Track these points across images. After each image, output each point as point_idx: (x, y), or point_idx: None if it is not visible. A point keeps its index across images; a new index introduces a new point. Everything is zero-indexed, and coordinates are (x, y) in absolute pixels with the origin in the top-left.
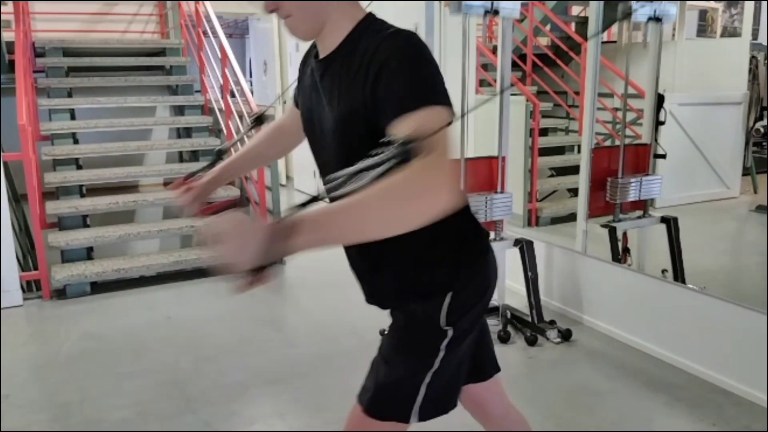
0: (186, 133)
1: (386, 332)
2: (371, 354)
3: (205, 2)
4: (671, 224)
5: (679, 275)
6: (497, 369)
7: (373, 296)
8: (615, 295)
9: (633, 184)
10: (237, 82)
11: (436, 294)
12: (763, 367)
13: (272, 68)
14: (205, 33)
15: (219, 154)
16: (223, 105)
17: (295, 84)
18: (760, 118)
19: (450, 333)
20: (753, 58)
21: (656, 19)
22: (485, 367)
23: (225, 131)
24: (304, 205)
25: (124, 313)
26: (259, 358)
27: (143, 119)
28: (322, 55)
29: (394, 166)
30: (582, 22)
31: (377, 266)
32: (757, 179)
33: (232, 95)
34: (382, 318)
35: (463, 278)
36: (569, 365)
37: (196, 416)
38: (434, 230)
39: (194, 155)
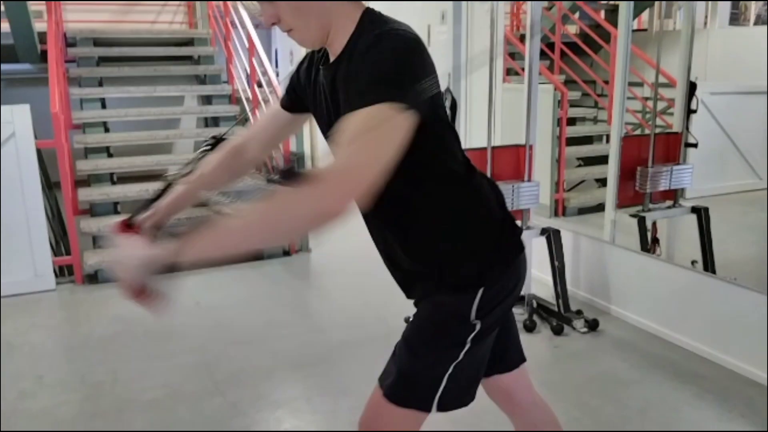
0: (213, 122)
1: (411, 320)
2: (396, 341)
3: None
4: (702, 214)
5: (709, 266)
6: (523, 359)
7: (405, 287)
8: (643, 285)
9: (663, 174)
10: (264, 72)
11: (468, 288)
12: None
13: (298, 58)
14: (232, 23)
15: (167, 185)
16: (250, 94)
17: (288, 84)
18: None
19: (478, 327)
20: None
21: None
22: (512, 357)
23: (252, 120)
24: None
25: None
26: (285, 343)
27: (172, 108)
28: (332, 59)
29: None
30: (612, 10)
31: (414, 259)
32: None
33: (259, 85)
34: (408, 305)
35: (496, 273)
36: (595, 355)
37: (224, 398)
38: (473, 227)
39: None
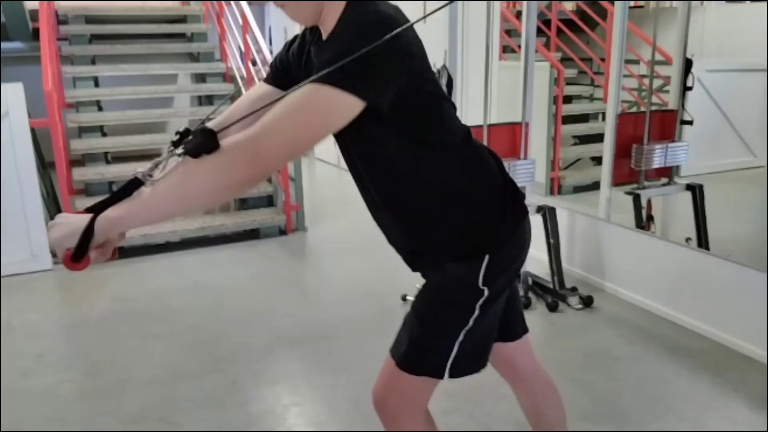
0: (208, 100)
1: (419, 290)
2: (393, 318)
3: None
4: (696, 191)
5: (703, 243)
6: (526, 330)
7: (412, 258)
8: (638, 262)
9: (658, 151)
10: (259, 50)
11: (475, 255)
12: None
13: (293, 35)
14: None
15: (136, 183)
16: (245, 72)
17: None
18: None
19: (486, 293)
20: None
21: None
22: (516, 328)
23: None
24: (125, 189)
25: (151, 277)
26: (283, 321)
27: (166, 87)
28: (324, 38)
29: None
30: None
31: (418, 231)
32: None
33: (254, 63)
34: (403, 284)
35: (501, 240)
36: (590, 331)
37: (223, 375)
38: (476, 194)
39: None
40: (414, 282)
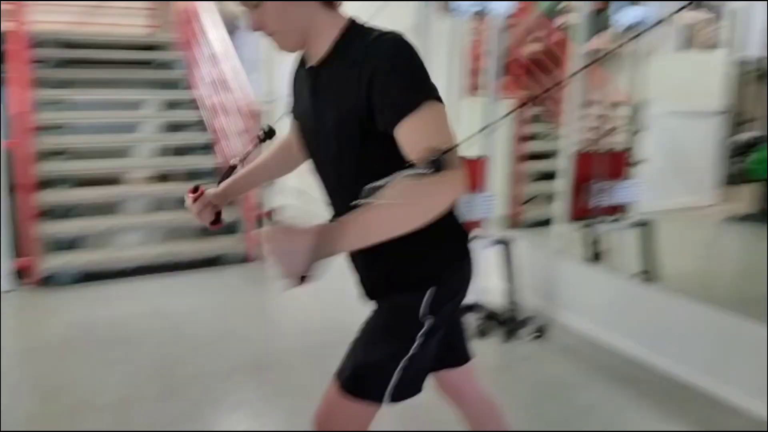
0: (176, 128)
1: (367, 317)
2: None
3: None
4: (647, 228)
5: (652, 277)
6: (470, 357)
7: (367, 288)
8: (589, 294)
9: (610, 189)
10: (234, 79)
11: (421, 287)
12: (729, 364)
13: (263, 67)
14: (200, 28)
15: (231, 170)
16: (215, 101)
17: (290, 98)
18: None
19: (428, 323)
20: (736, 70)
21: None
22: (461, 354)
23: (216, 128)
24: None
25: (110, 302)
26: (242, 349)
27: (132, 113)
28: (311, 63)
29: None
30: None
31: (375, 261)
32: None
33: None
34: (365, 312)
35: (446, 274)
36: (543, 360)
37: (182, 401)
38: (427, 230)
39: (184, 151)
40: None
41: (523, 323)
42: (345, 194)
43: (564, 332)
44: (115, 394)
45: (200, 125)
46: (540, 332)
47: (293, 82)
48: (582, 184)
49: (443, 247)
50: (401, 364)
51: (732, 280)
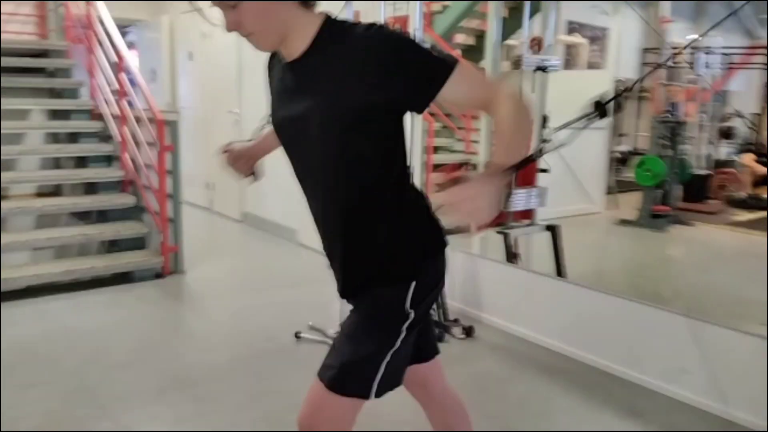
0: (70, 138)
1: (349, 315)
2: (287, 356)
3: (97, 2)
4: (555, 231)
5: (562, 273)
6: (438, 351)
7: (347, 284)
8: (510, 293)
9: (523, 195)
10: (135, 87)
11: (403, 281)
12: (637, 349)
13: (161, 76)
14: (97, 36)
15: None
16: (115, 110)
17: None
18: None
19: (412, 315)
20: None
21: (542, 69)
22: (429, 349)
23: (118, 137)
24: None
25: (14, 324)
26: (173, 364)
27: (18, 123)
28: (290, 58)
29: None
30: (466, 50)
31: (357, 258)
32: (620, 197)
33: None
34: (295, 322)
35: (426, 267)
36: (474, 358)
37: (114, 421)
38: (405, 224)
39: (82, 161)
40: (305, 320)
41: (452, 324)
42: (329, 195)
43: (490, 331)
44: (39, 418)
45: (99, 135)
46: (468, 332)
47: (270, 84)
48: None
49: (422, 240)
50: (387, 358)
51: (628, 275)
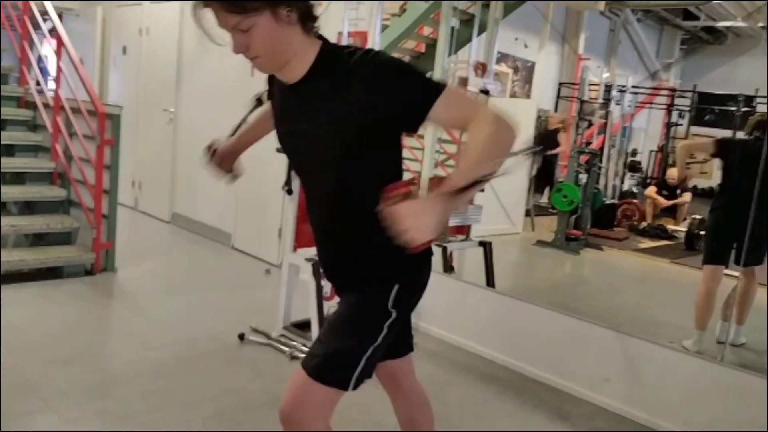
0: None
1: (336, 309)
2: (232, 356)
3: None
4: (487, 247)
5: (492, 284)
6: (412, 349)
7: (338, 283)
8: (446, 303)
9: (458, 212)
10: (72, 77)
11: (390, 282)
12: (565, 359)
13: (90, 67)
14: (32, 21)
15: (235, 131)
16: (47, 98)
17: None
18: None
19: (394, 315)
20: (539, 117)
21: (485, 92)
22: (403, 346)
23: (50, 126)
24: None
25: None
26: (115, 361)
27: None
28: (292, 81)
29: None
30: (416, 57)
31: (350, 259)
32: (535, 219)
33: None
34: (235, 324)
35: (410, 272)
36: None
37: (60, 414)
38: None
39: (8, 150)
40: (245, 322)
41: None
42: (330, 203)
43: (426, 338)
44: None
45: (28, 124)
46: None
47: (275, 101)
48: None
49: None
50: (368, 352)
51: (550, 292)
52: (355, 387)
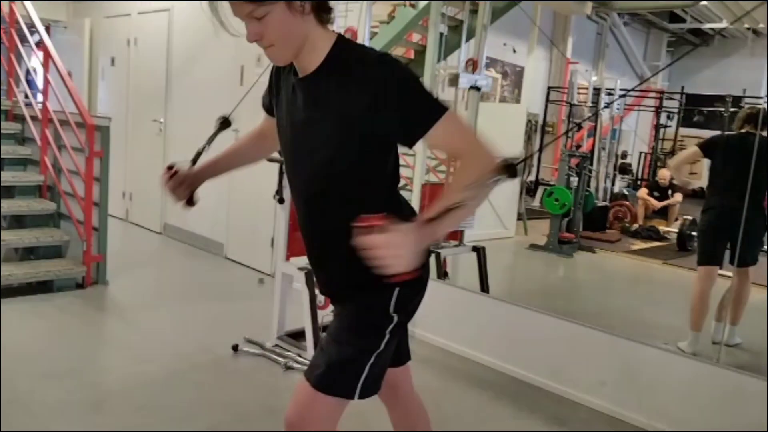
0: None
1: (335, 318)
2: (226, 368)
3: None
4: (480, 252)
5: (487, 291)
6: (410, 357)
7: (334, 292)
8: (441, 309)
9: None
10: (61, 89)
11: (388, 288)
12: (561, 363)
13: (79, 79)
14: (19, 33)
15: (197, 155)
16: (36, 111)
17: (267, 96)
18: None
19: (395, 320)
20: (529, 121)
21: (476, 89)
22: (403, 355)
23: (39, 139)
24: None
25: None
26: (108, 375)
27: None
28: (302, 73)
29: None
30: (405, 63)
31: (347, 268)
32: (527, 223)
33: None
34: (229, 335)
35: (410, 276)
36: None
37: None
38: None
39: None
40: (239, 333)
41: None
42: (322, 205)
43: (421, 345)
44: None
45: (16, 137)
46: None
47: (275, 85)
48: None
49: None
50: (371, 359)
51: (544, 296)
52: (362, 396)
